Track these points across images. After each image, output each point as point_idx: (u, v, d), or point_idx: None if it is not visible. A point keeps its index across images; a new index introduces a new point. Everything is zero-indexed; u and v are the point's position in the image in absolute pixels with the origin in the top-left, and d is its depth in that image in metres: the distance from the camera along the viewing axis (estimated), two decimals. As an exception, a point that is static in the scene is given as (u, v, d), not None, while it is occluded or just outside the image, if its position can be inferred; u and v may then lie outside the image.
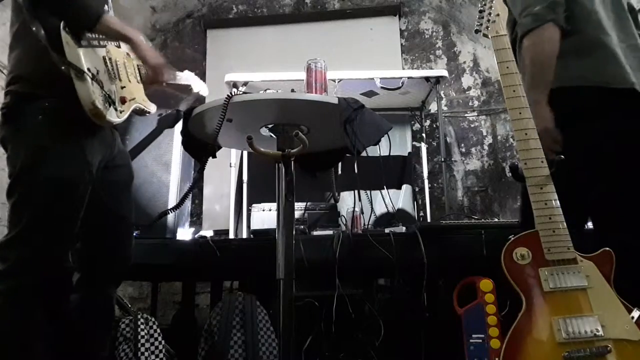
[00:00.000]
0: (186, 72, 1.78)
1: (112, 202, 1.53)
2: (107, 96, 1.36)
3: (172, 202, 2.42)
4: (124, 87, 1.47)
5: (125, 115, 1.45)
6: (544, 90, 1.42)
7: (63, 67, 1.29)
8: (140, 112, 1.56)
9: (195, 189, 3.84)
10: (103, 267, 1.58)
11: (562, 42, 1.37)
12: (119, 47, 1.52)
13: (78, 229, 1.44)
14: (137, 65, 1.58)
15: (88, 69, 1.31)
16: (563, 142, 1.43)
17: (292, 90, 1.65)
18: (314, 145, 1.59)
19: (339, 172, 2.55)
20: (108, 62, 1.43)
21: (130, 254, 1.65)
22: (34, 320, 1.34)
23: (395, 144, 3.51)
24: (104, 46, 1.44)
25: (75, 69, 1.29)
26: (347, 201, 2.88)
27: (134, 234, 1.71)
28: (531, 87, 1.44)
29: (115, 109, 1.39)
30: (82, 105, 1.30)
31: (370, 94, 3.37)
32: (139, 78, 1.57)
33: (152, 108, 1.60)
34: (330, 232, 2.29)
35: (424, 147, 3.79)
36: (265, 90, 1.68)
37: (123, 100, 1.43)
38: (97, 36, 1.41)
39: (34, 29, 1.32)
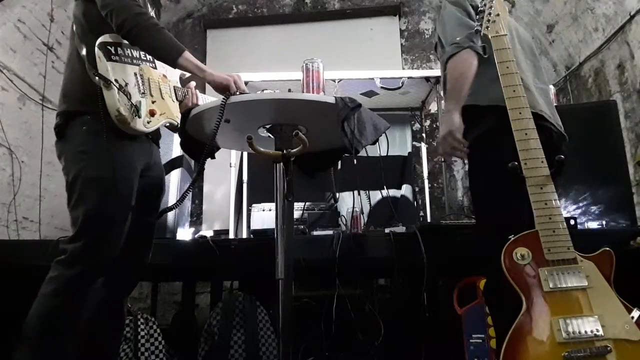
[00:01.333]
0: (207, 96, 1.88)
1: (137, 210, 1.61)
2: (134, 106, 1.52)
3: (172, 202, 2.42)
4: (155, 101, 1.62)
5: (153, 127, 1.60)
6: (457, 102, 1.64)
7: (96, 79, 1.48)
8: (173, 128, 1.71)
9: (195, 189, 3.84)
10: (120, 272, 1.64)
11: (489, 70, 1.58)
12: (154, 67, 1.68)
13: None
14: (174, 87, 1.74)
15: (115, 80, 1.49)
16: (486, 152, 1.62)
17: (289, 90, 1.65)
18: (312, 145, 1.59)
19: (338, 170, 2.54)
20: (139, 78, 1.59)
21: (146, 264, 1.72)
22: (75, 307, 1.47)
23: (395, 144, 3.50)
24: (137, 65, 1.61)
25: (104, 79, 1.47)
26: (347, 201, 2.88)
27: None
28: (448, 98, 1.69)
29: (140, 118, 1.54)
30: (109, 113, 1.47)
31: (370, 94, 3.37)
32: (174, 97, 1.72)
33: None
34: (330, 232, 2.28)
35: (424, 147, 3.78)
36: (263, 90, 1.68)
37: (152, 113, 1.58)
38: (129, 54, 1.59)
39: (78, 50, 1.55)
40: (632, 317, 1.27)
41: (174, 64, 1.57)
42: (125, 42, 1.57)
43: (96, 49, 1.50)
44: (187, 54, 1.57)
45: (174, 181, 2.47)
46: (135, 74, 1.58)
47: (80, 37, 1.57)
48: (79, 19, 1.60)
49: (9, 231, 3.13)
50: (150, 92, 1.61)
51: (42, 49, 3.47)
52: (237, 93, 1.56)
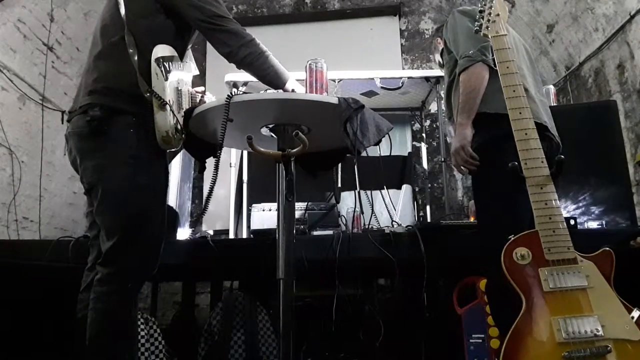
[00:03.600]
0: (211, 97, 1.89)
1: None
2: (176, 125, 1.51)
3: (172, 202, 2.42)
4: (183, 116, 1.59)
5: (181, 142, 1.58)
6: (469, 115, 1.70)
7: (147, 95, 1.44)
8: None
9: (195, 189, 3.84)
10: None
11: (498, 80, 1.59)
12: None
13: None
14: (191, 93, 1.72)
15: (169, 100, 1.47)
16: (492, 156, 1.65)
17: (292, 90, 1.65)
18: (314, 145, 1.59)
19: (339, 172, 2.55)
20: (178, 93, 1.57)
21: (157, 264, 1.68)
22: (135, 315, 1.51)
23: (395, 144, 3.51)
24: (177, 78, 1.57)
25: (159, 99, 1.44)
26: (347, 201, 2.88)
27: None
28: (461, 111, 1.72)
29: (180, 136, 1.54)
30: (156, 131, 1.46)
31: (370, 94, 3.37)
32: (190, 105, 1.70)
33: None
34: (330, 232, 2.28)
35: (424, 147, 3.79)
36: (265, 90, 1.68)
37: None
38: (175, 68, 1.54)
39: (130, 50, 1.48)
40: (632, 317, 1.27)
41: (279, 88, 1.63)
42: (174, 54, 1.53)
43: (154, 64, 1.45)
44: (291, 80, 1.66)
45: (174, 180, 2.47)
46: (176, 89, 1.55)
47: (134, 34, 1.50)
48: (139, 14, 1.53)
49: (9, 231, 3.13)
50: (182, 105, 1.59)
51: (42, 49, 3.47)
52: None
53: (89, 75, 1.55)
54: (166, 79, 1.47)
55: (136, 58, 1.47)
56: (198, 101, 1.77)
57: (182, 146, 1.66)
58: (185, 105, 1.63)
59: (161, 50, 1.48)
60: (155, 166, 1.52)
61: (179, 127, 1.51)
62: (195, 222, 1.77)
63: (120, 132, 1.47)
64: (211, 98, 1.82)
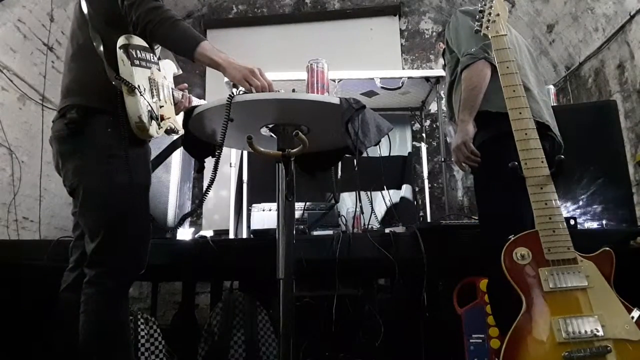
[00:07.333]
0: (201, 100, 1.89)
1: None
2: (151, 112, 1.48)
3: (172, 202, 2.42)
4: (162, 106, 1.58)
5: (162, 132, 1.57)
6: (471, 112, 1.71)
7: (114, 82, 1.42)
8: (170, 132, 1.68)
9: (195, 189, 3.84)
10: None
11: (499, 80, 1.60)
12: (159, 69, 1.63)
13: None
14: (172, 88, 1.71)
15: (138, 86, 1.45)
16: (493, 154, 1.66)
17: (293, 90, 1.65)
18: (314, 145, 1.59)
19: (339, 172, 2.55)
20: (152, 82, 1.54)
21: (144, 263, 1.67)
22: (126, 317, 1.50)
23: (395, 144, 3.51)
24: (149, 68, 1.55)
25: (127, 84, 1.42)
26: (347, 201, 2.88)
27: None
28: (463, 108, 1.73)
29: (159, 125, 1.53)
30: (129, 117, 1.43)
31: (370, 94, 3.37)
32: (172, 100, 1.69)
33: (181, 128, 1.71)
34: (330, 232, 2.28)
35: (424, 147, 3.79)
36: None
37: (162, 118, 1.55)
38: (145, 57, 1.53)
39: (94, 44, 1.48)
40: (632, 317, 1.27)
41: (192, 58, 1.53)
42: (142, 44, 1.52)
43: (119, 50, 1.44)
44: (203, 48, 1.48)
45: (174, 180, 2.47)
46: (149, 78, 1.53)
47: (97, 29, 1.50)
48: (98, 8, 1.53)
49: (9, 231, 3.13)
50: (159, 96, 1.58)
51: (42, 49, 3.47)
52: (254, 90, 1.50)
53: (65, 78, 1.57)
54: (133, 65, 1.44)
55: (102, 49, 1.46)
56: (181, 97, 1.75)
57: (182, 146, 1.65)
58: (165, 98, 1.62)
59: (126, 38, 1.47)
60: (135, 165, 1.49)
61: (154, 114, 1.49)
62: (183, 221, 1.74)
63: (98, 133, 1.47)
64: (199, 103, 1.80)
